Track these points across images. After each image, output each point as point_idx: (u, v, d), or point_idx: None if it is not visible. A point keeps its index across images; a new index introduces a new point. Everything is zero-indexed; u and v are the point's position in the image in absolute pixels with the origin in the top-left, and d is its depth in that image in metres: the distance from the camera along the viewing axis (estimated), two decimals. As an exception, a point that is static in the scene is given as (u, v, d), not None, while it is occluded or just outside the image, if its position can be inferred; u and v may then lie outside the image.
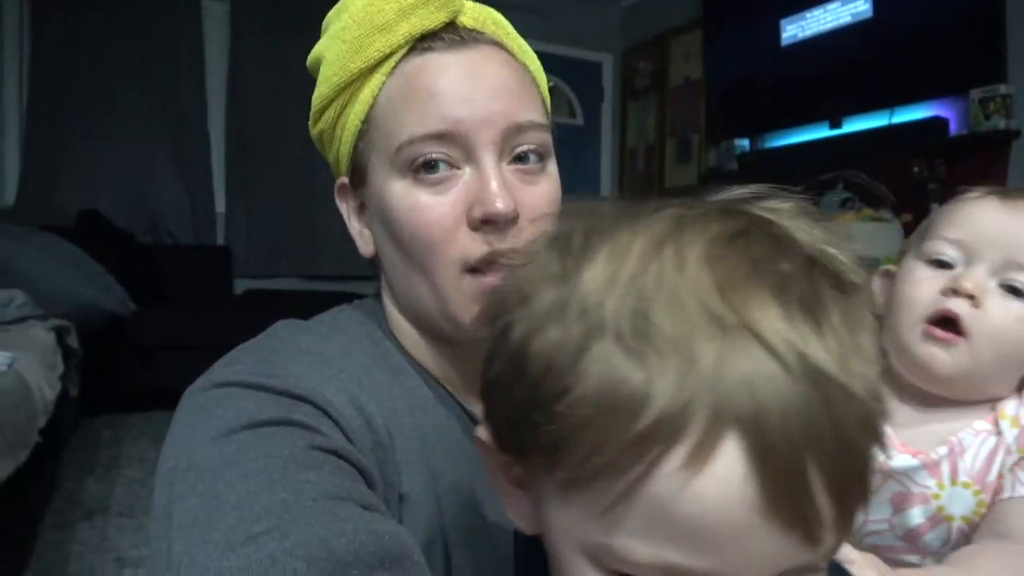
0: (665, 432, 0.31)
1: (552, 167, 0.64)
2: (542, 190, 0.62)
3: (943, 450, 0.70)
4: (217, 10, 4.46)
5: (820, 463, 0.31)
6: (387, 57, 0.60)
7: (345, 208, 0.68)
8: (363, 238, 0.66)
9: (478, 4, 0.65)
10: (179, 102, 4.31)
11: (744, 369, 0.30)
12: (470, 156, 0.59)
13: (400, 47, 0.59)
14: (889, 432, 0.57)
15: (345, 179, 0.66)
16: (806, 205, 0.39)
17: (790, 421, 0.30)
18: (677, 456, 0.31)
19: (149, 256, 3.97)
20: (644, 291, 0.32)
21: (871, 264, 2.64)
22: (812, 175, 3.98)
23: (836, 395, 0.31)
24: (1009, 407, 0.70)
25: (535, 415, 0.33)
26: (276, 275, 4.55)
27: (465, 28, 0.62)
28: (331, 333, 0.61)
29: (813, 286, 0.33)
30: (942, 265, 0.71)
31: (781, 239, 0.35)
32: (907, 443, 0.72)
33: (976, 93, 3.15)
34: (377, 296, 0.69)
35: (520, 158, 0.61)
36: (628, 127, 5.49)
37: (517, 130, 0.60)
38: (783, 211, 0.38)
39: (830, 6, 3.83)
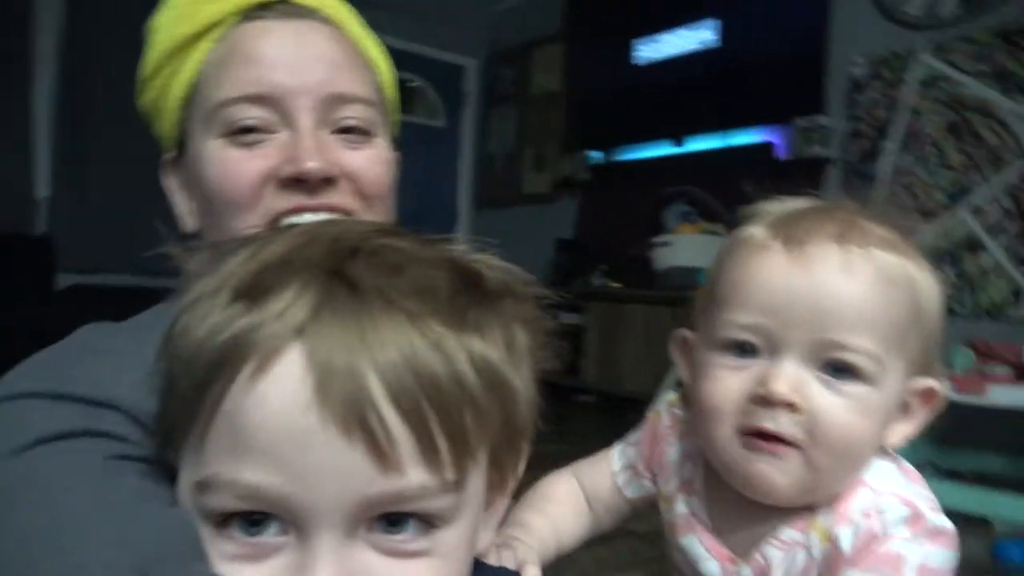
0: (237, 349, 0.35)
1: (382, 143, 0.64)
2: (367, 154, 0.61)
3: (747, 571, 0.59)
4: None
5: (381, 374, 0.34)
6: (216, 25, 0.59)
7: (171, 184, 0.65)
8: (187, 213, 0.64)
9: None
10: (-3, 71, 3.87)
11: (312, 298, 0.35)
12: (287, 120, 0.58)
13: (230, 15, 0.59)
14: (699, 527, 0.62)
15: (171, 154, 0.64)
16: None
17: (349, 331, 0.34)
18: (247, 369, 0.34)
19: (-48, 242, 3.54)
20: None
21: (702, 273, 2.84)
22: (657, 189, 4.23)
23: (390, 317, 0.35)
24: (823, 515, 0.56)
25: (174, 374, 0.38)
26: (108, 270, 4.19)
27: (298, 4, 0.62)
28: (147, 335, 0.55)
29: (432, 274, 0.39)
30: (743, 351, 0.57)
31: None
32: (715, 546, 0.62)
33: (800, 122, 3.48)
34: None
35: (345, 130, 0.60)
36: (489, 132, 5.57)
37: (340, 100, 0.59)
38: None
39: (680, 31, 4.10)
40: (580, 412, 4.05)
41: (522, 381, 0.41)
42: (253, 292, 0.36)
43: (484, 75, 5.61)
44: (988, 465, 2.47)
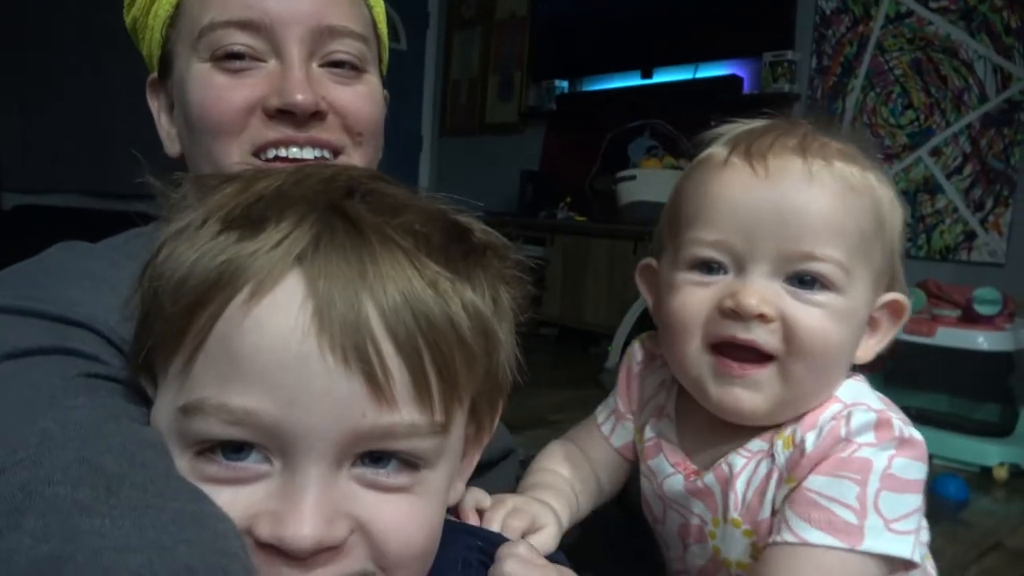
0: (233, 273, 0.34)
1: (372, 80, 0.63)
2: (357, 91, 0.61)
3: (710, 477, 0.58)
4: None
5: (380, 308, 0.34)
6: None
7: (156, 106, 0.64)
8: (169, 137, 0.63)
9: None
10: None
11: (311, 228, 0.35)
12: (276, 50, 0.57)
13: None
14: (665, 445, 0.63)
15: (155, 74, 0.63)
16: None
17: (349, 263, 0.35)
18: (244, 293, 0.34)
19: None
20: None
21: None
22: (623, 121, 4.18)
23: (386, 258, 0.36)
24: (790, 425, 0.56)
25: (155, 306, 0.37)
26: (54, 190, 4.03)
27: None
28: (120, 259, 0.55)
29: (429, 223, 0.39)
30: (709, 269, 0.56)
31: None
32: (681, 460, 0.61)
33: (768, 57, 3.44)
34: None
35: (335, 64, 0.59)
36: (452, 58, 5.42)
37: (329, 32, 0.58)
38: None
39: (649, -43, 3.98)
40: (541, 345, 4.10)
41: (505, 336, 0.42)
42: (247, 221, 0.36)
43: (448, -3, 5.42)
44: (935, 404, 2.57)
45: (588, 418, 0.75)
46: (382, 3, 0.68)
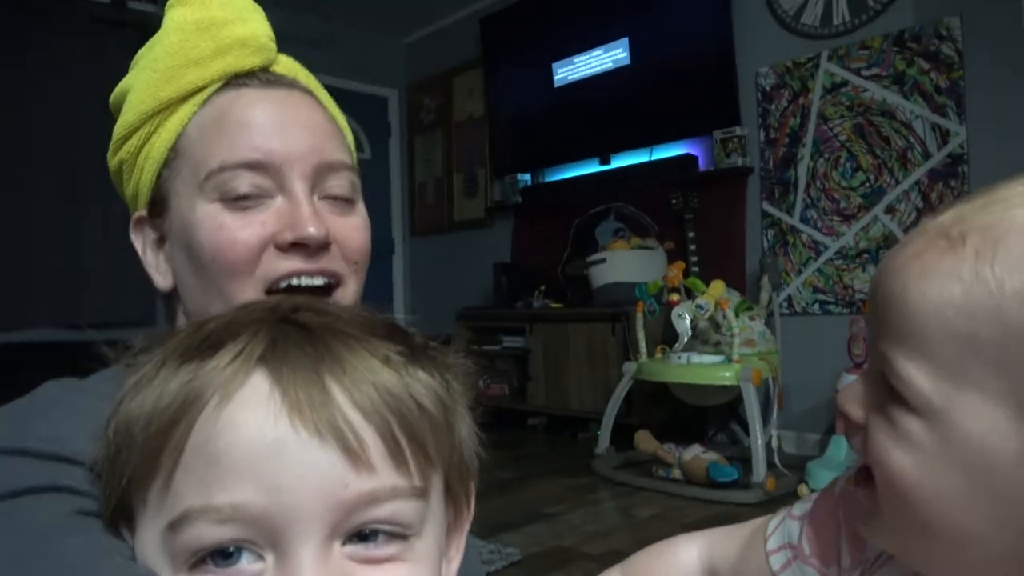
0: (198, 390, 0.36)
1: (362, 207, 0.67)
2: (353, 223, 0.64)
3: None
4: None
5: (342, 385, 0.36)
6: (199, 90, 0.61)
7: (141, 242, 0.66)
8: (160, 271, 0.65)
9: (291, 58, 0.68)
10: None
11: (266, 337, 0.38)
12: (282, 186, 0.60)
13: (213, 81, 0.61)
14: None
15: (143, 212, 0.64)
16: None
17: (307, 354, 0.37)
18: (212, 401, 0.36)
19: None
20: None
21: (640, 288, 2.88)
22: (587, 207, 4.30)
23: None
24: None
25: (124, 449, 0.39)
26: (28, 325, 4.00)
27: (277, 73, 0.65)
28: (109, 391, 0.56)
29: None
30: None
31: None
32: None
33: (718, 134, 3.60)
34: None
35: (331, 196, 0.63)
36: (416, 161, 5.57)
37: (329, 168, 0.62)
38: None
39: (594, 52, 4.20)
40: (532, 436, 4.05)
41: (462, 413, 0.43)
42: (204, 349, 0.38)
43: (407, 105, 5.62)
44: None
45: (739, 530, 0.58)
46: (348, 128, 0.72)
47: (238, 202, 0.59)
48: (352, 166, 0.65)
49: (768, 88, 3.53)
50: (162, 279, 0.64)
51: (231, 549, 0.35)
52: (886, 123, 3.17)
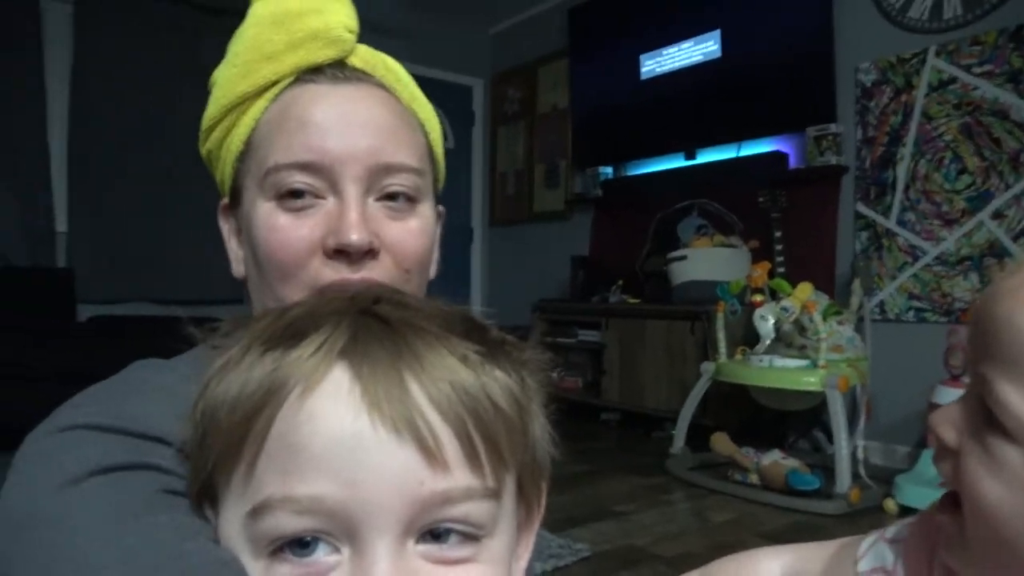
0: (281, 380, 0.37)
1: (425, 210, 0.64)
2: (409, 226, 0.62)
3: None
4: (59, 11, 4.13)
5: (420, 383, 0.37)
6: (272, 84, 0.61)
7: (226, 229, 0.67)
8: (236, 259, 0.66)
9: (372, 49, 0.66)
10: (14, 110, 3.94)
11: (347, 330, 0.38)
12: (334, 187, 0.59)
13: (285, 76, 0.61)
14: None
15: (226, 200, 0.66)
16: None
17: (387, 349, 0.38)
18: (295, 393, 0.37)
19: (-25, 279, 3.58)
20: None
21: (722, 287, 2.82)
22: (670, 202, 4.22)
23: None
24: None
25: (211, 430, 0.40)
26: (125, 300, 4.23)
27: (352, 68, 0.63)
28: (194, 373, 0.58)
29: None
30: None
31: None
32: None
33: (811, 131, 3.46)
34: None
35: (389, 196, 0.61)
36: (498, 151, 5.60)
37: (386, 170, 0.60)
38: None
39: (684, 44, 4.10)
40: (604, 431, 4.02)
41: (536, 412, 0.44)
42: (287, 338, 0.39)
43: (491, 95, 5.64)
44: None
45: (830, 547, 0.55)
46: (437, 124, 0.69)
47: (291, 200, 0.58)
48: (417, 168, 0.62)
49: (868, 84, 3.37)
50: (238, 267, 0.66)
51: (308, 539, 0.36)
52: (997, 123, 2.98)
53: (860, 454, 2.73)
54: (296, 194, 0.58)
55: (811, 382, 2.72)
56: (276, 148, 0.59)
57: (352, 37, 0.62)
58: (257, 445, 0.37)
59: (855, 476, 2.64)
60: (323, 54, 0.61)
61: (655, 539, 2.28)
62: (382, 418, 0.36)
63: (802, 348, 3.03)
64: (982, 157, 3.02)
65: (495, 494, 0.38)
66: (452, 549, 0.38)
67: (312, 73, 0.61)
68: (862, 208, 3.39)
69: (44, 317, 3.72)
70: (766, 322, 3.00)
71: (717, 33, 3.92)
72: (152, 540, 0.41)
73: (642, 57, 4.33)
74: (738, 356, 3.10)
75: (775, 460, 2.74)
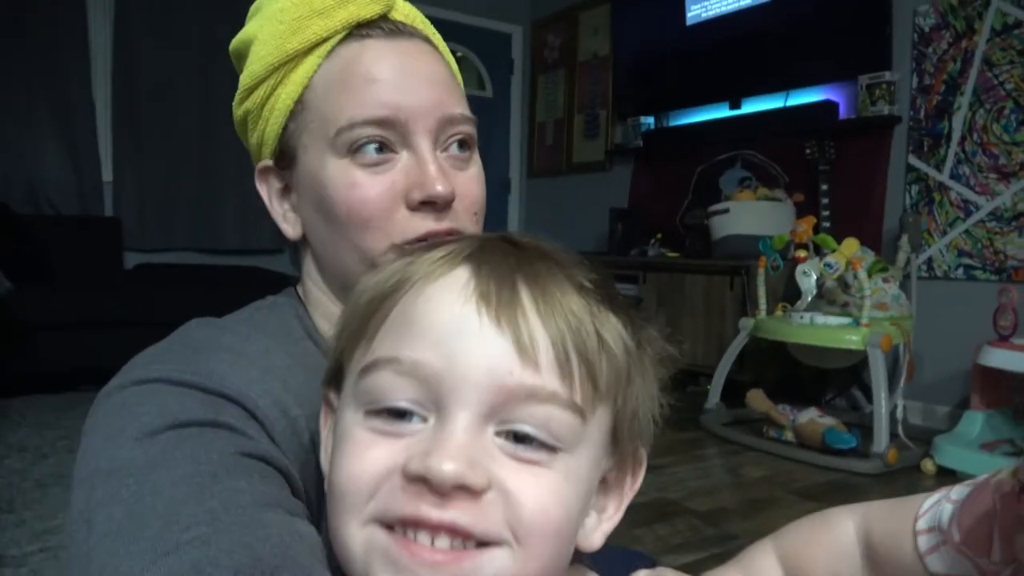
0: (412, 270, 0.43)
1: (477, 157, 0.67)
2: (471, 175, 0.65)
3: None
4: (101, -38, 4.15)
5: (531, 293, 0.41)
6: (324, 41, 0.61)
7: (266, 191, 0.67)
8: (287, 220, 0.67)
9: (407, 3, 0.68)
10: (61, 61, 4.00)
11: (475, 243, 0.44)
12: (407, 142, 0.61)
13: (337, 32, 0.61)
14: None
15: (269, 161, 0.66)
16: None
17: (509, 261, 0.42)
18: (421, 281, 0.42)
19: (28, 228, 3.69)
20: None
21: (764, 242, 2.75)
22: (712, 154, 4.12)
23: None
24: None
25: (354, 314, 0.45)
26: (170, 248, 4.33)
27: (397, 22, 0.64)
28: (250, 333, 0.59)
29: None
30: None
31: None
32: None
33: (864, 79, 3.32)
34: (288, 293, 0.68)
35: (450, 148, 0.64)
36: (537, 101, 5.50)
37: (450, 121, 0.63)
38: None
39: (732, -12, 3.94)
40: (637, 383, 4.02)
41: (647, 377, 0.46)
42: (422, 250, 0.45)
43: (530, 42, 5.53)
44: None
45: (902, 503, 0.55)
46: (459, 74, 0.71)
47: (366, 157, 0.60)
48: (470, 117, 0.65)
49: (927, 29, 3.21)
50: (290, 228, 0.66)
51: (403, 410, 0.40)
52: (1064, 70, 2.82)
53: (899, 414, 2.69)
54: (371, 149, 0.60)
55: (853, 340, 2.67)
56: (346, 105, 0.60)
57: None
58: (379, 322, 0.42)
59: (893, 436, 2.60)
60: (371, 9, 0.62)
61: (689, 493, 2.29)
62: (488, 309, 0.39)
63: (844, 305, 2.97)
64: (1046, 107, 2.87)
65: (580, 411, 0.40)
66: (528, 451, 0.40)
67: (363, 28, 0.62)
68: (914, 161, 3.26)
69: (93, 265, 3.83)
70: (808, 278, 2.94)
71: (767, -25, 3.76)
72: (233, 505, 0.43)
73: (688, 1, 4.18)
74: (778, 312, 3.06)
75: (812, 418, 2.71)
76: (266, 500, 0.44)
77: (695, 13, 4.16)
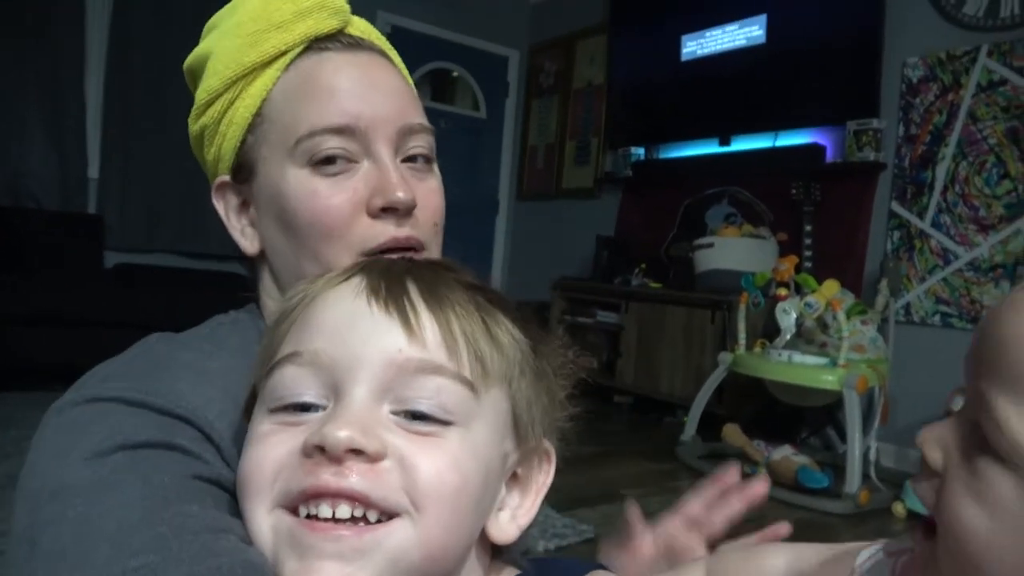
0: (314, 287, 0.47)
1: (436, 169, 0.68)
2: (431, 185, 0.66)
3: None
4: (101, -42, 4.14)
5: (418, 288, 0.45)
6: (282, 54, 0.61)
7: (223, 207, 0.66)
8: (245, 236, 0.66)
9: (363, 19, 0.68)
10: (54, 54, 3.97)
11: (375, 266, 0.48)
12: (368, 151, 0.61)
13: (296, 45, 0.61)
14: None
15: (226, 176, 0.65)
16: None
17: (399, 266, 0.47)
18: (322, 290, 0.46)
19: (6, 220, 3.64)
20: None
21: (747, 278, 2.77)
22: (700, 188, 4.16)
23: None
24: None
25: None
26: (152, 249, 4.28)
27: (355, 36, 0.65)
28: (213, 350, 0.58)
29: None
30: None
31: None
32: None
33: (852, 125, 3.38)
34: (250, 309, 0.67)
35: (410, 158, 0.64)
36: (530, 124, 5.54)
37: (410, 131, 0.63)
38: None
39: (728, 27, 4.01)
40: (616, 413, 4.02)
41: (544, 377, 0.48)
42: (326, 274, 0.49)
43: (526, 66, 5.58)
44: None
45: (833, 550, 0.54)
46: (414, 87, 0.72)
47: (327, 166, 0.59)
48: (430, 128, 0.66)
49: (915, 80, 3.28)
50: (248, 243, 0.65)
51: (305, 401, 0.43)
52: (1045, 128, 2.88)
53: (872, 455, 2.71)
54: (331, 159, 0.59)
55: (829, 380, 2.69)
56: (306, 115, 0.60)
57: (348, 8, 0.64)
58: (284, 333, 0.45)
59: (865, 477, 2.62)
60: (329, 23, 0.62)
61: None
62: (377, 300, 0.43)
63: (822, 345, 3.00)
64: (1026, 163, 2.93)
65: (469, 385, 0.43)
66: (423, 426, 0.42)
67: (322, 42, 0.62)
68: (896, 207, 3.32)
69: (71, 262, 3.78)
70: (788, 316, 2.97)
71: (763, 18, 3.83)
72: (184, 531, 0.41)
73: (684, 38, 4.24)
74: (757, 348, 3.07)
75: (786, 455, 2.72)
76: (218, 526, 0.43)
77: (690, 50, 4.23)
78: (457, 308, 0.44)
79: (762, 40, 3.84)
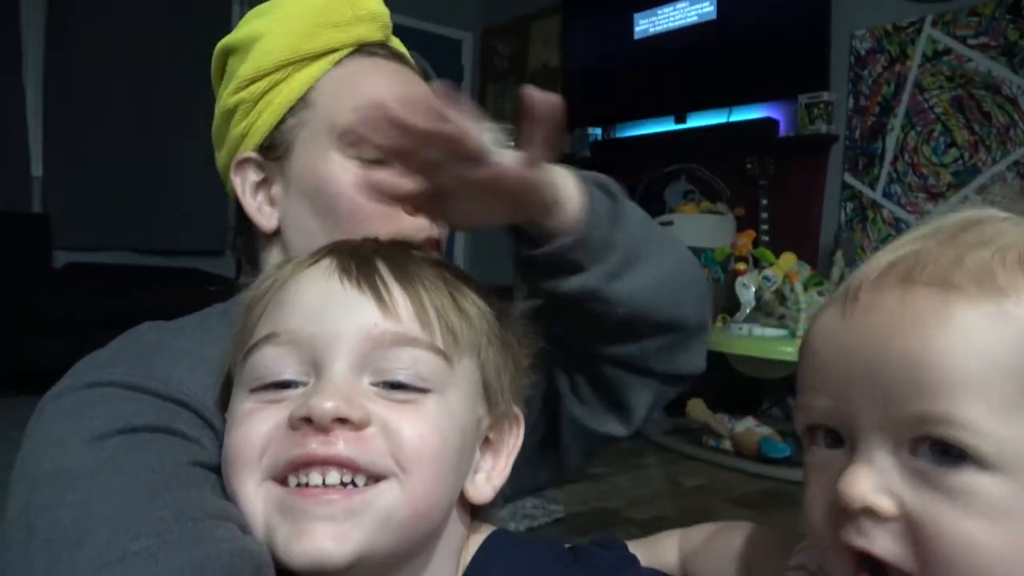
0: (286, 268, 0.50)
1: None
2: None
3: None
4: (34, -54, 3.98)
5: (387, 265, 0.47)
6: (333, 51, 0.67)
7: (240, 182, 0.68)
8: (263, 213, 0.68)
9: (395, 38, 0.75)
10: (-14, 48, 3.82)
11: (344, 248, 0.50)
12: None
13: (347, 46, 0.68)
14: None
15: (252, 153, 0.67)
16: None
17: (367, 248, 0.50)
18: (293, 273, 0.48)
19: (-53, 222, 3.50)
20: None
21: (706, 254, 2.80)
22: (658, 166, 4.18)
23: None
24: None
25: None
26: (103, 247, 4.16)
27: (396, 49, 0.72)
28: (205, 337, 0.59)
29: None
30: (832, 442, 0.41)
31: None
32: None
33: (803, 99, 3.43)
34: (236, 301, 0.67)
35: None
36: (486, 108, 5.49)
37: None
38: None
39: (679, 4, 4.02)
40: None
41: (511, 347, 0.52)
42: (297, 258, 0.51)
43: (480, 50, 5.53)
44: None
45: (786, 534, 0.54)
46: None
47: (374, 162, 0.63)
48: None
49: (863, 52, 3.33)
50: (265, 220, 0.67)
51: (286, 379, 0.45)
52: (989, 97, 2.96)
53: (833, 423, 2.77)
54: (379, 161, 0.63)
55: (788, 352, 2.73)
56: (345, 109, 0.64)
57: (391, 25, 0.72)
58: (258, 317, 0.47)
59: (827, 445, 2.67)
60: (378, 34, 0.70)
61: (628, 502, 2.31)
62: (349, 279, 0.46)
63: (781, 317, 3.05)
64: (971, 131, 3.01)
65: (443, 354, 0.46)
66: (402, 394, 0.44)
67: (371, 47, 0.69)
68: (849, 179, 3.38)
69: (17, 263, 3.65)
70: (747, 290, 3.01)
71: (713, -6, 3.85)
72: (184, 516, 0.42)
73: (636, 16, 4.24)
74: (718, 324, 3.11)
75: (748, 427, 2.77)
76: (218, 513, 0.44)
77: (643, 27, 4.23)
78: (426, 283, 0.47)
79: (713, 16, 3.86)
